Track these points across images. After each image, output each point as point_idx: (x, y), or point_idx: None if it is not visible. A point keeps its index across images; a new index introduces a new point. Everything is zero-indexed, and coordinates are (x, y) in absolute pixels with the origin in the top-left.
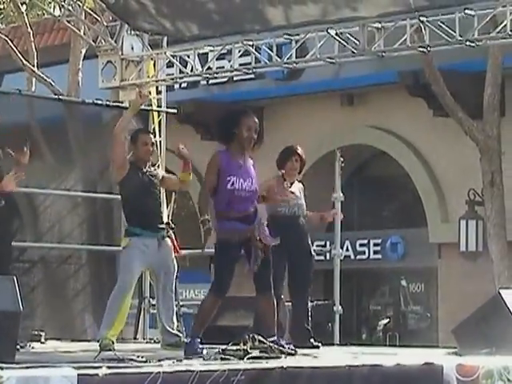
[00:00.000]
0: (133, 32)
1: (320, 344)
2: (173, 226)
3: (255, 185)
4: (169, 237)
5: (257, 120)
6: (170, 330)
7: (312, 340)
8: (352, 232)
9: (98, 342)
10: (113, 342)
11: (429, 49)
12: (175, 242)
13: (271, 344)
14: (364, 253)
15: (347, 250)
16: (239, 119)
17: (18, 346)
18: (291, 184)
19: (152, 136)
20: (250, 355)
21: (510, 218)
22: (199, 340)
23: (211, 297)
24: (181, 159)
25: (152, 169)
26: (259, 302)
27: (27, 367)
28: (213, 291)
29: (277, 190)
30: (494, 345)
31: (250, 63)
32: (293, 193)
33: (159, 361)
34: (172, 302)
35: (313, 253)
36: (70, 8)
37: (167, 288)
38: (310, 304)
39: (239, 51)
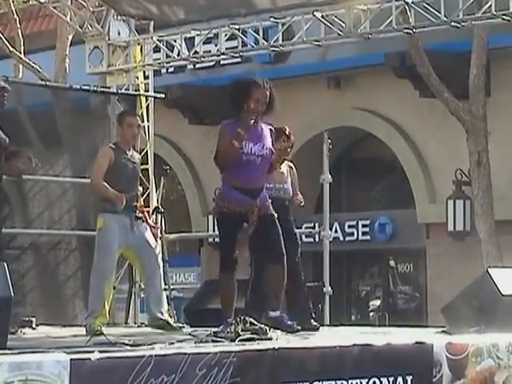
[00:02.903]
0: (119, 17)
1: (319, 325)
2: (162, 210)
3: (266, 150)
4: (142, 220)
5: (267, 91)
6: (159, 315)
7: (312, 321)
8: (340, 213)
9: (84, 327)
10: (100, 327)
11: (414, 30)
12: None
13: (263, 326)
14: (353, 234)
15: (336, 231)
16: (248, 92)
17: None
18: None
19: (138, 118)
20: (242, 337)
21: (497, 197)
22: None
23: (220, 274)
24: None
25: (134, 153)
26: (269, 273)
27: (19, 353)
28: (220, 267)
29: None
30: (482, 323)
31: (236, 47)
32: (282, 173)
33: (151, 344)
34: (160, 286)
35: (297, 236)
36: None
37: (154, 272)
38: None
39: (226, 35)
